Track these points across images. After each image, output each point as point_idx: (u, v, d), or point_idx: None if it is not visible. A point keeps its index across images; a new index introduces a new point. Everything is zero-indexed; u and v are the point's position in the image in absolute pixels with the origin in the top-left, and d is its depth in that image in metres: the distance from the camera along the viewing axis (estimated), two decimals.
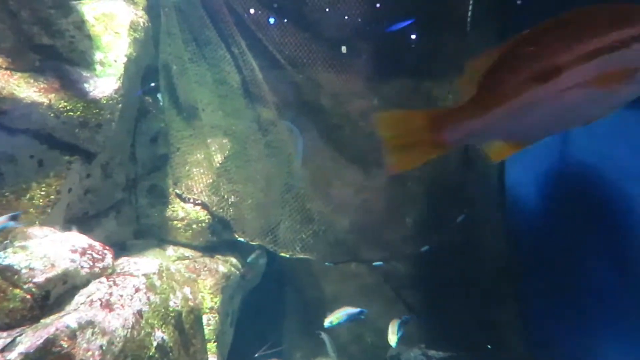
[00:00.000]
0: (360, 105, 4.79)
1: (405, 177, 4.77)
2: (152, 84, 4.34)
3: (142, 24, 3.80)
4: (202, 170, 4.39)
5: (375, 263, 4.67)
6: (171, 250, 4.24)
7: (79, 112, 2.98)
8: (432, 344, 4.74)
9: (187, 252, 4.28)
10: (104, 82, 3.20)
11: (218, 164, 4.46)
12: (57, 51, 3.12)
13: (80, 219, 3.35)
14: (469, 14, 4.33)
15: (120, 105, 3.22)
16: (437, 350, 4.63)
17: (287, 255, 4.50)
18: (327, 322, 4.18)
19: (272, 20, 4.50)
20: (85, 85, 3.09)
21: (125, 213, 3.92)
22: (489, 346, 4.55)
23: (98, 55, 3.29)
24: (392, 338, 4.14)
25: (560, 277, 4.78)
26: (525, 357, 4.59)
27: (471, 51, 4.64)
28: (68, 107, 2.95)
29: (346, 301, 5.25)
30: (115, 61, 3.33)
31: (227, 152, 4.54)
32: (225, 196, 4.42)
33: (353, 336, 5.25)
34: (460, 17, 4.39)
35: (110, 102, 3.16)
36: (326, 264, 4.60)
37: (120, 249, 3.76)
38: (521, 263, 4.80)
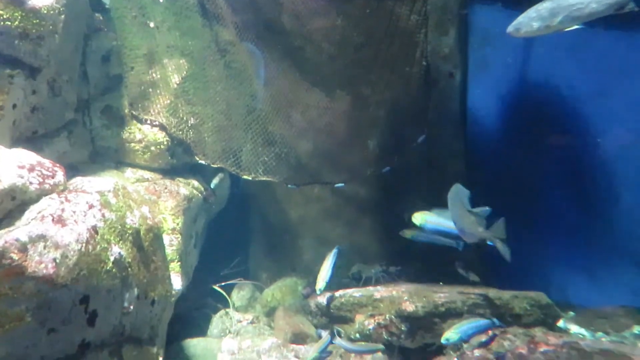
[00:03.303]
0: (323, 25, 4.65)
1: (367, 101, 4.75)
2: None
3: None
4: (158, 91, 4.26)
5: (337, 185, 4.71)
6: (130, 173, 4.19)
7: (17, 22, 2.80)
8: (392, 261, 4.91)
9: (147, 174, 4.24)
10: None
11: (175, 85, 4.33)
12: None
13: (29, 138, 3.25)
14: None
15: (63, 17, 3.04)
16: (396, 266, 4.81)
17: (250, 178, 4.50)
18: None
19: None
20: None
21: (79, 134, 3.81)
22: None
23: None
24: (320, 283, 4.16)
25: (516, 198, 4.94)
26: (480, 272, 4.80)
27: None
28: (5, 16, 2.77)
29: (310, 224, 5.37)
30: None
31: (185, 72, 4.40)
32: (185, 118, 4.33)
33: (318, 256, 5.39)
34: None
35: (52, 12, 2.97)
36: (289, 186, 4.61)
37: (75, 170, 3.69)
38: (478, 184, 4.92)
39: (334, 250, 4.32)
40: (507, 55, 4.90)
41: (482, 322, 3.53)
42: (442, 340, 3.49)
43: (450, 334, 3.46)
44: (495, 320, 3.55)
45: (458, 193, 3.47)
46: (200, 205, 4.54)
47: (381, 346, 3.81)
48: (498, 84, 4.98)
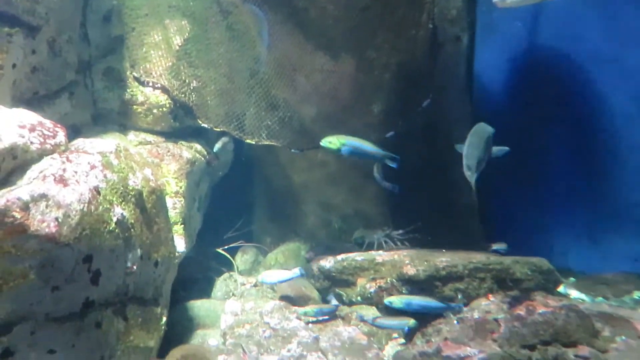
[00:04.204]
0: None
1: (372, 64, 4.67)
2: None
3: None
4: (160, 53, 4.20)
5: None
6: (132, 135, 4.17)
7: None
8: (395, 227, 4.92)
9: (150, 137, 4.23)
10: None
11: (177, 47, 4.27)
12: None
13: (30, 99, 3.23)
14: None
15: None
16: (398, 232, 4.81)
17: (253, 142, 4.47)
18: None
19: None
20: None
21: (80, 96, 3.78)
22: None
23: None
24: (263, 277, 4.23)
25: (520, 163, 4.89)
26: (482, 239, 4.81)
27: None
28: None
29: (314, 189, 5.37)
30: None
31: (187, 34, 4.33)
32: (187, 80, 4.28)
33: (321, 222, 5.42)
34: None
35: None
36: (292, 150, 4.59)
37: (78, 132, 3.68)
38: None
39: (297, 272, 4.19)
40: (516, 19, 4.79)
41: (436, 304, 3.59)
42: (385, 301, 3.64)
43: (395, 299, 3.59)
44: (453, 305, 3.59)
45: (479, 131, 3.41)
46: (203, 169, 4.54)
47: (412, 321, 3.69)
48: (506, 48, 4.88)
